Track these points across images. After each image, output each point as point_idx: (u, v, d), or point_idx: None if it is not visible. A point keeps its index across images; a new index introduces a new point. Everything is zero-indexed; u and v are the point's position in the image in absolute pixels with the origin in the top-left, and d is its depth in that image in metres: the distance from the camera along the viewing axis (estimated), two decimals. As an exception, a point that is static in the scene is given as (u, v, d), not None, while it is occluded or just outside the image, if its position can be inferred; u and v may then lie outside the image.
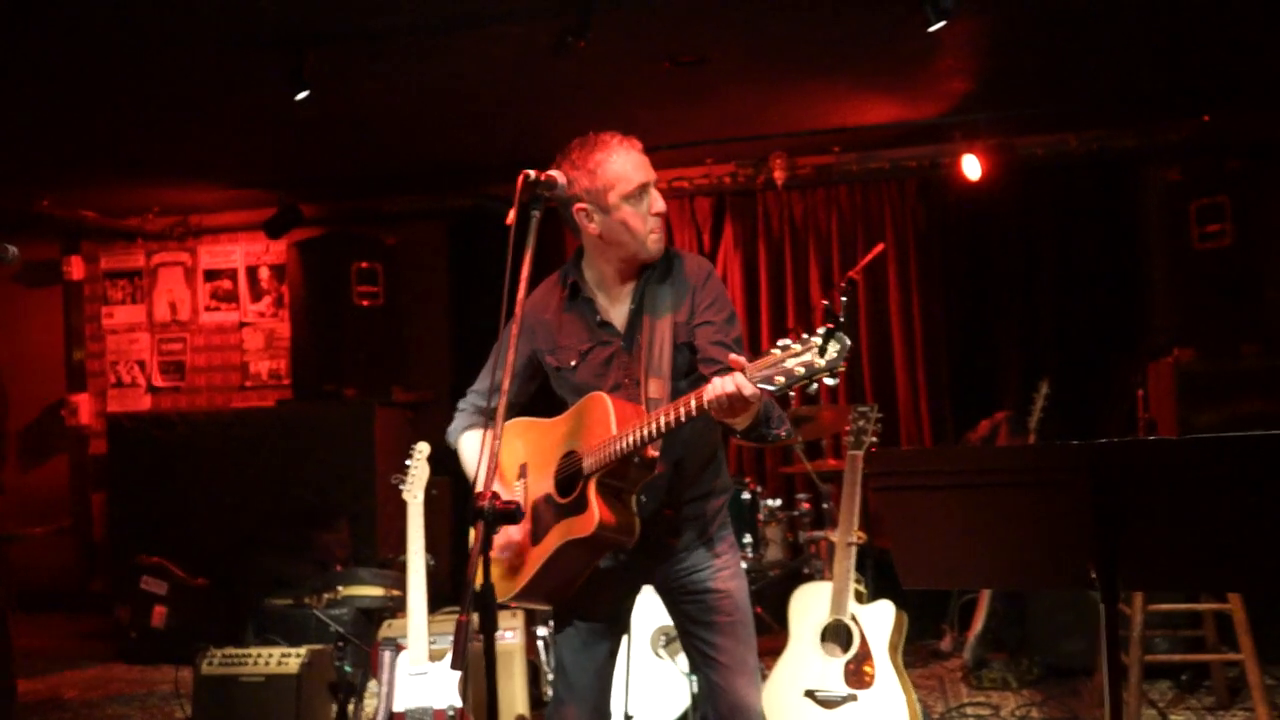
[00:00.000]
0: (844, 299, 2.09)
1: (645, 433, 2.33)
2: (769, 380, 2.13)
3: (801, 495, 5.43)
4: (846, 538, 3.87)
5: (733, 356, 2.22)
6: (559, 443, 2.56)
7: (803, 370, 2.07)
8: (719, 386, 2.20)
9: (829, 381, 2.06)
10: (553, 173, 2.47)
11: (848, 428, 4.20)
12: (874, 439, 4.13)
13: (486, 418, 2.63)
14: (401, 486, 3.90)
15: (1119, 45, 4.96)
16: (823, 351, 2.05)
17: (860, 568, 4.25)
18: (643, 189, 2.53)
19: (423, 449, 3.97)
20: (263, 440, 6.43)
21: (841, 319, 2.04)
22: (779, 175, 6.34)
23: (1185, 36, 4.85)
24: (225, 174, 6.56)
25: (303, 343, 6.82)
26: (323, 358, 6.63)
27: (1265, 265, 5.30)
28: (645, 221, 2.54)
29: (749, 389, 2.16)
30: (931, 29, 4.01)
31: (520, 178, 2.37)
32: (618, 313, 2.62)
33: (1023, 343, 6.27)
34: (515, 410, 2.74)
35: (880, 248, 5.72)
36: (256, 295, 7.62)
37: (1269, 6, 4.52)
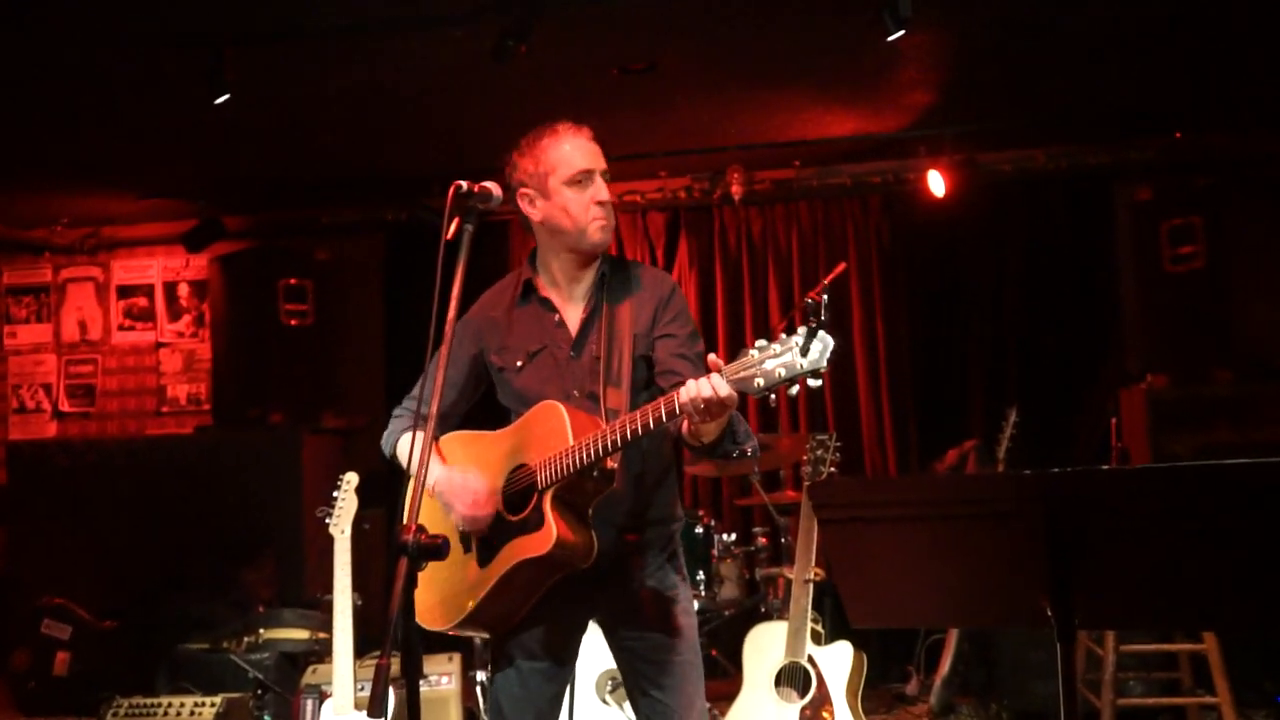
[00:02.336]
0: (825, 297, 2.10)
1: (608, 441, 2.32)
2: (747, 382, 2.13)
3: (758, 529, 5.44)
4: (804, 574, 3.88)
5: (711, 357, 2.22)
6: (504, 456, 2.54)
7: (783, 372, 2.07)
8: (694, 388, 2.20)
9: (812, 383, 2.06)
10: (487, 184, 2.47)
11: (806, 457, 4.22)
12: (834, 469, 4.16)
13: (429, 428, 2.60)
14: (328, 520, 3.86)
15: (1087, 58, 5.07)
16: (805, 350, 2.05)
17: (818, 606, 4.26)
18: (586, 175, 2.57)
19: (351, 479, 3.94)
20: (180, 470, 6.33)
21: (825, 318, 2.04)
22: (736, 190, 6.39)
23: (1156, 50, 4.97)
24: (141, 183, 6.48)
25: (225, 365, 6.73)
26: (247, 381, 6.55)
27: (1239, 288, 5.41)
28: (587, 209, 2.57)
29: (724, 390, 2.17)
30: (891, 38, 4.08)
31: (451, 189, 2.37)
32: (571, 316, 2.63)
33: (991, 367, 6.35)
34: (453, 421, 2.74)
35: (842, 267, 5.77)
36: (175, 314, 7.51)
37: (1241, 21, 4.64)
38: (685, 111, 5.59)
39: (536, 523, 2.42)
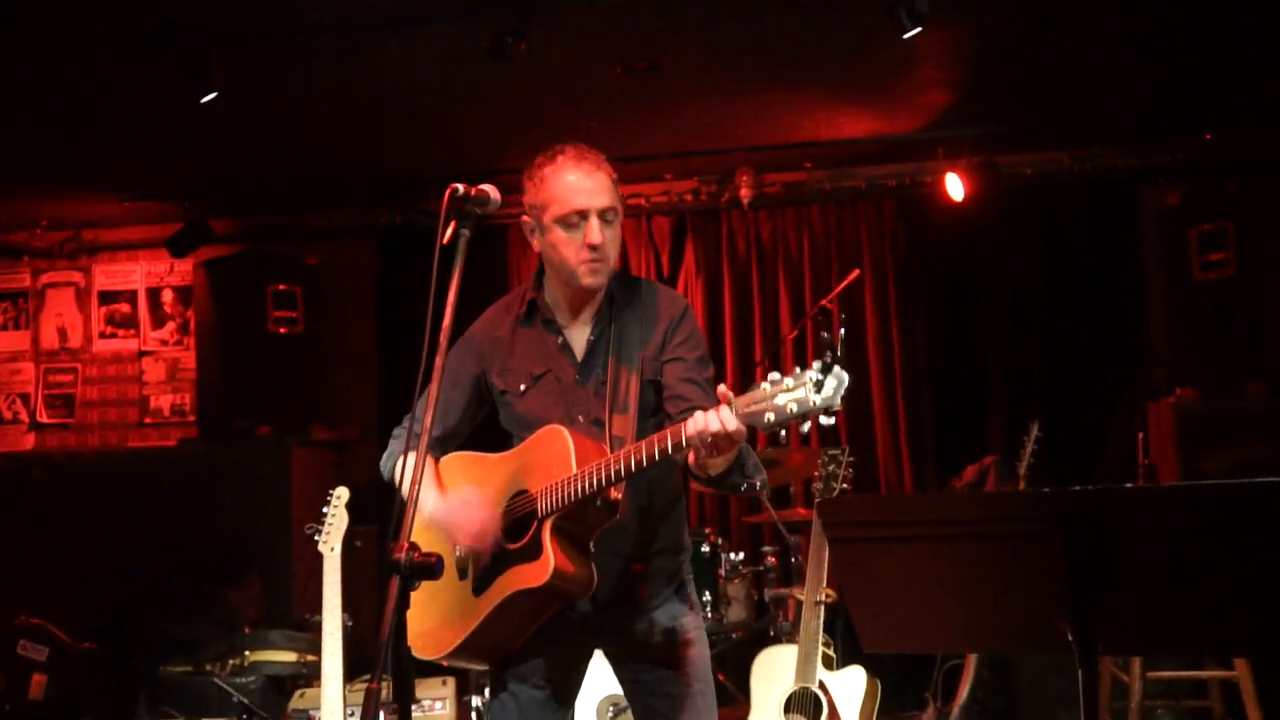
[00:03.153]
0: (842, 331, 2.13)
1: (612, 471, 2.33)
2: (757, 417, 2.13)
3: (768, 548, 5.44)
4: (815, 595, 3.88)
5: (721, 389, 2.23)
6: (506, 481, 2.55)
7: (795, 407, 2.08)
8: (702, 421, 2.21)
9: (824, 421, 2.07)
10: (485, 187, 2.47)
11: (817, 473, 4.22)
12: (846, 486, 4.16)
13: (422, 441, 2.62)
14: (317, 537, 3.87)
15: (1113, 55, 5.08)
16: (819, 387, 2.06)
17: (830, 629, 4.25)
18: (580, 215, 2.54)
19: (341, 494, 3.94)
20: (163, 484, 6.33)
21: (839, 352, 2.06)
22: (745, 193, 6.39)
23: (1185, 46, 4.98)
24: (124, 184, 6.51)
25: (210, 374, 6.74)
26: (233, 391, 6.57)
27: (1271, 297, 5.41)
28: (577, 252, 2.54)
29: (733, 424, 2.17)
30: (907, 35, 4.10)
31: (447, 192, 2.39)
32: (576, 339, 2.64)
33: (1012, 380, 6.35)
34: (455, 443, 2.74)
35: (856, 274, 5.79)
36: (158, 321, 7.53)
37: (1274, 17, 4.65)
38: (691, 111, 5.61)
39: (535, 552, 2.43)
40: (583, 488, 2.37)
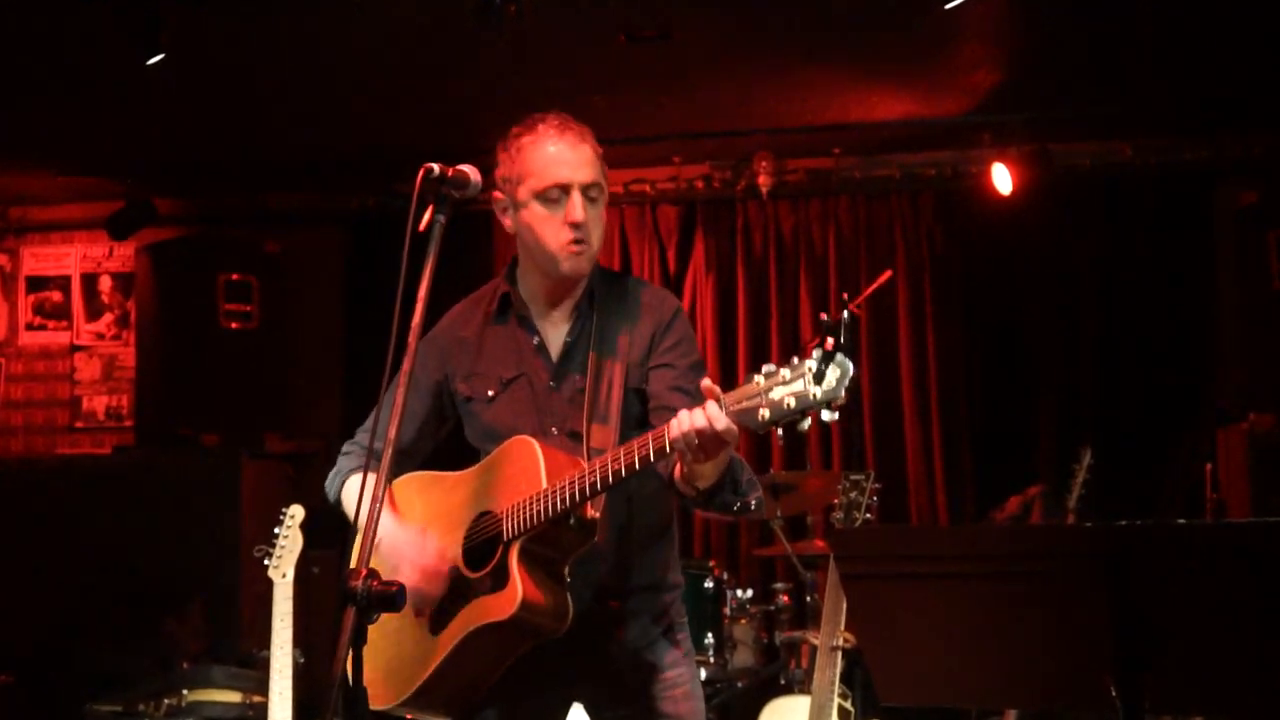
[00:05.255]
0: (845, 314, 2.10)
1: (587, 484, 2.32)
2: (750, 414, 2.11)
3: (780, 585, 5.44)
4: (830, 640, 3.88)
5: (706, 383, 2.21)
6: (467, 502, 2.55)
7: (793, 402, 2.05)
8: (686, 420, 2.19)
9: (826, 416, 2.04)
10: (464, 168, 2.48)
11: (837, 500, 4.22)
12: (870, 515, 4.16)
13: (374, 461, 2.58)
14: (267, 561, 3.87)
15: (1186, 33, 5.08)
16: (819, 378, 2.02)
17: (848, 679, 4.25)
18: (561, 190, 2.53)
19: (296, 513, 3.96)
20: (95, 497, 6.33)
21: (842, 340, 2.03)
22: (764, 181, 6.41)
23: (1267, 24, 4.97)
24: (57, 156, 6.53)
25: (152, 374, 6.75)
26: (177, 394, 6.57)
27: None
28: (556, 232, 2.54)
29: (722, 422, 2.15)
30: (949, 5, 4.11)
31: (420, 173, 2.39)
32: (554, 339, 2.63)
33: (1062, 400, 6.35)
34: (413, 463, 2.73)
35: (887, 275, 5.79)
36: (94, 312, 7.55)
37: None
38: (704, 87, 5.62)
39: (500, 580, 2.41)
40: (554, 505, 2.35)
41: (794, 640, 5.11)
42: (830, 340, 2.03)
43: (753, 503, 2.46)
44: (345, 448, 2.81)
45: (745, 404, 2.12)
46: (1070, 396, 6.35)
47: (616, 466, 2.29)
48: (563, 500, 2.34)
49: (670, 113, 5.95)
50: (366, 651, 2.27)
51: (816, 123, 6.04)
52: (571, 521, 2.39)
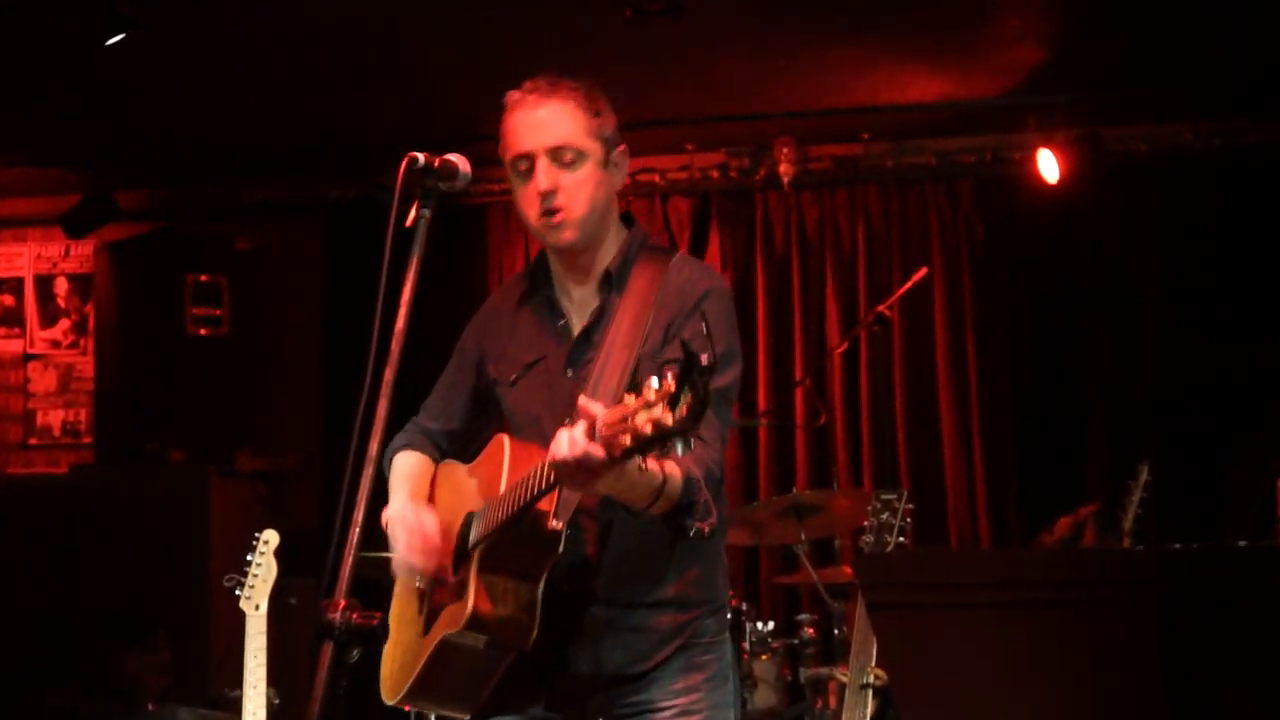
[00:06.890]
0: (705, 325, 2.08)
1: (527, 493, 2.35)
2: (611, 441, 2.07)
3: (805, 616, 5.44)
4: (860, 677, 3.88)
5: (581, 400, 2.17)
6: (466, 501, 2.60)
7: (650, 429, 2.00)
8: (554, 445, 2.17)
9: (679, 450, 2.01)
10: (451, 157, 2.49)
11: (867, 522, 4.22)
12: (904, 539, 4.16)
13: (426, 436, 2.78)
14: (239, 591, 3.89)
15: (1247, 1, 5.07)
16: (673, 402, 1.97)
17: (880, 719, 4.25)
18: (526, 159, 2.57)
19: (270, 539, 3.97)
20: (50, 520, 6.37)
21: (701, 357, 1.94)
22: (785, 169, 6.41)
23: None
24: (9, 146, 6.55)
25: (112, 385, 6.79)
26: (140, 407, 6.61)
27: None
28: (531, 204, 2.58)
29: (580, 446, 2.11)
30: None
31: (404, 163, 2.41)
32: (577, 319, 2.67)
33: (1117, 410, 6.34)
34: (472, 441, 2.77)
35: (923, 272, 5.78)
36: (49, 317, 7.57)
37: None
38: (720, 66, 5.63)
39: (460, 590, 2.49)
40: (503, 512, 2.40)
41: (820, 677, 5.12)
42: (685, 358, 1.95)
43: (706, 527, 2.41)
44: (407, 426, 2.87)
45: (615, 427, 2.06)
46: (1126, 407, 6.34)
47: (536, 481, 2.32)
48: (508, 508, 2.39)
49: (682, 95, 5.95)
50: (390, 646, 2.49)
51: (843, 105, 6.05)
52: (521, 527, 2.41)
